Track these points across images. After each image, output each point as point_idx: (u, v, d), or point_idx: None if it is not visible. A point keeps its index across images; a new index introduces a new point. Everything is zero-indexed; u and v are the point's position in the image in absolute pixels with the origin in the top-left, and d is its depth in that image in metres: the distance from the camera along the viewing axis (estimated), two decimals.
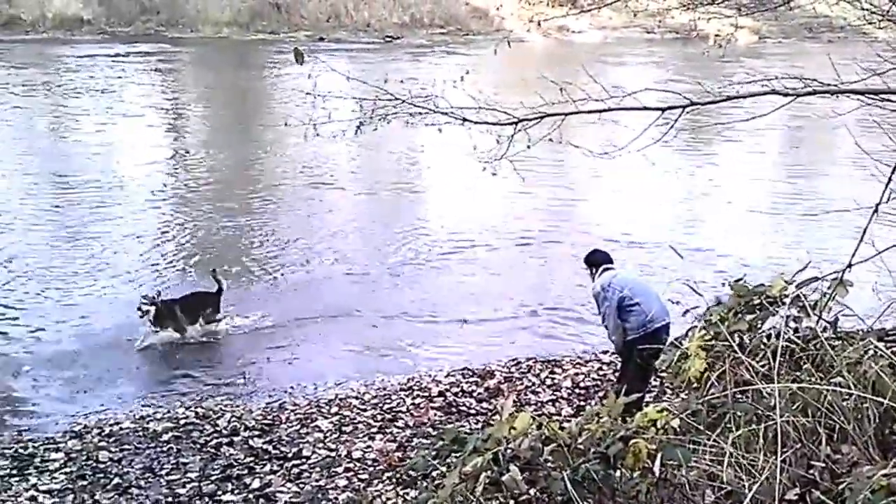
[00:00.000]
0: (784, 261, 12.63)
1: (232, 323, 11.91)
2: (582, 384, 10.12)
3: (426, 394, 9.87)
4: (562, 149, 8.40)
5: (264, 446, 8.70)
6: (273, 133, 21.85)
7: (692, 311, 5.10)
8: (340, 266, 14.14)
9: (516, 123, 6.74)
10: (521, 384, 10.11)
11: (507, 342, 11.57)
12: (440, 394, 9.85)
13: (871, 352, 4.36)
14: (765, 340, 4.55)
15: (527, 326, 12.12)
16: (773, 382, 4.08)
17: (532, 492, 3.99)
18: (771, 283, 4.82)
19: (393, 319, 12.20)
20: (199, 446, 8.73)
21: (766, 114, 7.30)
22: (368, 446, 8.63)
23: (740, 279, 5.02)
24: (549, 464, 4.08)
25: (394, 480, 7.89)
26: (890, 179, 5.53)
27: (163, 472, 8.24)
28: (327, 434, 8.94)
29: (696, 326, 4.84)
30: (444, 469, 4.42)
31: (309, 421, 9.25)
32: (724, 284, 5.15)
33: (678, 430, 4.16)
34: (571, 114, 6.68)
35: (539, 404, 9.56)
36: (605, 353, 10.74)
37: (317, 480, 8.05)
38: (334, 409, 9.52)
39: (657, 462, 3.95)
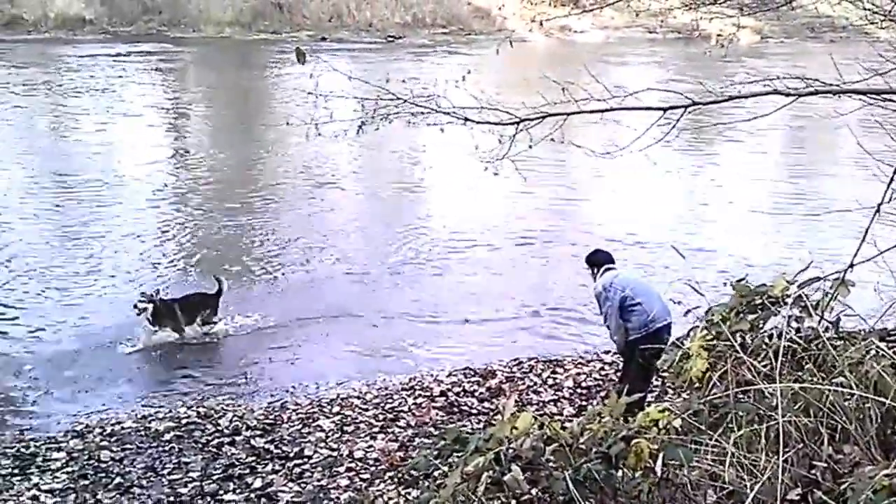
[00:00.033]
0: (786, 261, 12.62)
1: (232, 323, 11.90)
2: (584, 384, 10.12)
3: (428, 393, 9.87)
4: (563, 149, 8.39)
5: (266, 446, 8.70)
6: (275, 133, 21.87)
7: (694, 310, 5.09)
8: (342, 266, 14.14)
9: (518, 123, 6.73)
10: (523, 384, 10.10)
11: (509, 342, 11.57)
12: (442, 393, 9.85)
13: (872, 352, 4.36)
14: (767, 340, 4.55)
15: (528, 326, 12.11)
16: (774, 382, 4.08)
17: (534, 492, 3.99)
18: (773, 283, 4.82)
19: (394, 319, 12.20)
20: (200, 446, 8.73)
21: (767, 114, 7.29)
22: (370, 446, 8.63)
23: (742, 279, 5.02)
24: (550, 463, 4.08)
25: (395, 480, 7.88)
26: (892, 179, 5.52)
27: (165, 472, 8.24)
28: (329, 434, 8.94)
29: (697, 326, 4.84)
30: (445, 469, 4.41)
31: (311, 420, 9.25)
32: (725, 284, 5.14)
33: (680, 429, 4.16)
34: (573, 114, 6.68)
35: (541, 404, 9.55)
36: (606, 352, 10.74)
37: (318, 480, 8.05)
38: (336, 409, 9.52)
39: (659, 462, 3.95)
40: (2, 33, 36.50)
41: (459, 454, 4.23)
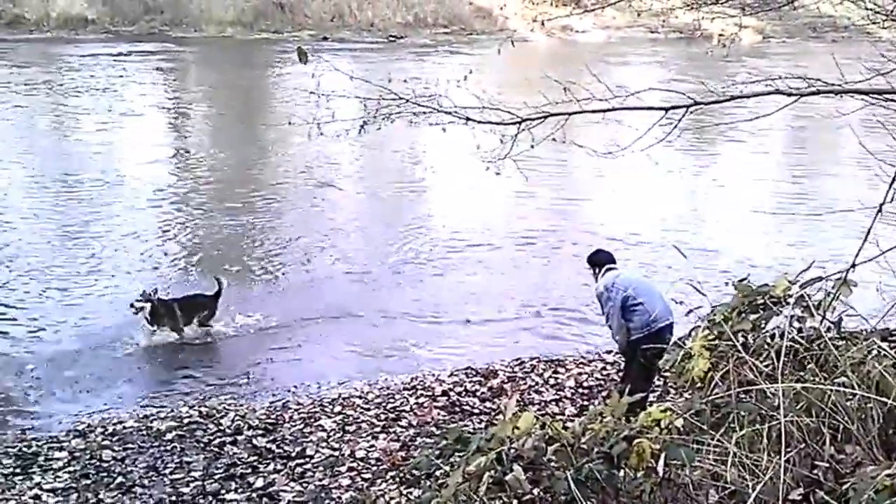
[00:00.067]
0: (788, 261, 12.62)
1: (233, 323, 11.90)
2: (585, 384, 10.12)
3: (430, 393, 9.87)
4: (565, 148, 8.38)
5: (268, 445, 8.70)
6: (276, 132, 21.88)
7: (696, 310, 5.09)
8: (343, 265, 14.14)
9: (520, 123, 6.74)
10: (525, 384, 10.10)
11: (511, 342, 11.57)
12: (444, 393, 9.85)
13: (874, 352, 4.36)
14: (768, 340, 4.55)
15: (530, 326, 12.11)
16: (776, 382, 4.09)
17: (535, 491, 4.00)
18: (775, 283, 4.82)
19: (396, 319, 12.20)
20: (202, 445, 8.73)
21: (769, 114, 7.29)
22: (372, 445, 8.63)
23: (744, 279, 5.03)
24: (552, 463, 4.08)
25: (397, 480, 7.88)
26: (894, 179, 5.53)
27: (166, 471, 8.24)
28: (331, 433, 8.94)
29: (699, 326, 4.85)
30: (447, 468, 4.42)
31: (312, 420, 9.26)
32: (727, 284, 5.14)
33: (682, 429, 4.16)
34: (575, 113, 6.68)
35: (542, 404, 9.56)
36: (608, 352, 10.74)
37: (320, 480, 8.05)
38: (338, 409, 9.52)
39: (661, 462, 3.95)
40: (4, 33, 36.50)
41: (461, 454, 4.24)
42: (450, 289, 13.32)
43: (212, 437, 8.88)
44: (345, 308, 12.42)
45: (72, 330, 11.72)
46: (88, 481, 8.06)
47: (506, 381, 10.16)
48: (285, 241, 15.11)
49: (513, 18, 39.39)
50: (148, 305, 11.29)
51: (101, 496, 7.81)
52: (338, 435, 8.90)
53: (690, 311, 5.19)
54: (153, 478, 8.13)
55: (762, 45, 38.20)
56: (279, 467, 8.28)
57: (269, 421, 9.23)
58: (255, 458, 8.46)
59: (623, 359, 9.32)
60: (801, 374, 4.34)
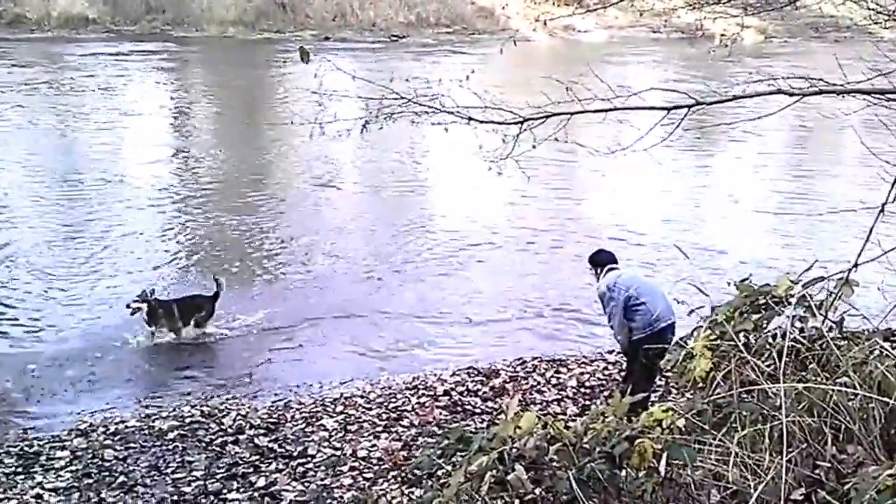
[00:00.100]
0: (790, 260, 12.62)
1: (230, 324, 11.89)
2: (587, 384, 10.11)
3: (431, 393, 9.87)
4: (567, 148, 8.39)
5: (270, 445, 8.70)
6: (278, 132, 21.89)
7: (697, 310, 5.09)
8: (345, 265, 14.14)
9: (522, 123, 6.73)
10: (527, 383, 10.10)
11: (513, 341, 11.57)
12: (445, 393, 9.85)
13: (876, 352, 4.36)
14: (770, 340, 4.55)
15: (532, 326, 12.11)
16: (778, 382, 4.08)
17: (537, 491, 4.00)
18: (777, 283, 4.82)
19: (398, 318, 12.20)
20: (204, 445, 8.74)
21: (771, 113, 7.29)
22: (374, 445, 8.63)
23: (746, 279, 5.03)
24: (554, 463, 4.08)
25: (399, 479, 7.88)
26: None
27: (168, 471, 8.24)
28: (332, 433, 8.94)
29: (701, 326, 4.85)
30: (449, 468, 4.42)
31: (314, 420, 9.26)
32: (729, 284, 5.14)
33: (684, 429, 4.16)
34: (577, 113, 6.68)
35: (544, 404, 9.56)
36: (610, 352, 10.74)
37: (322, 479, 8.05)
38: (339, 408, 9.52)
39: (662, 462, 3.95)
40: (5, 32, 36.55)
41: (463, 453, 4.24)
42: (451, 288, 13.32)
43: (214, 437, 8.89)
44: (346, 308, 12.42)
45: (73, 329, 11.73)
46: (90, 480, 8.07)
47: (508, 380, 10.16)
48: (286, 240, 15.11)
49: (515, 18, 39.42)
50: (145, 306, 11.29)
51: (102, 495, 7.81)
52: (340, 434, 8.90)
53: (692, 310, 5.19)
54: (155, 477, 8.14)
55: (764, 45, 38.22)
56: (281, 467, 8.28)
57: (270, 420, 9.23)
58: (257, 457, 8.46)
59: (625, 359, 9.32)
60: (803, 374, 4.34)
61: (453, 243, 15.09)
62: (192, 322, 11.65)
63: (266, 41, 38.10)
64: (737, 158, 21.74)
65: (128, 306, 11.31)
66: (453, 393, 9.84)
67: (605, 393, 9.66)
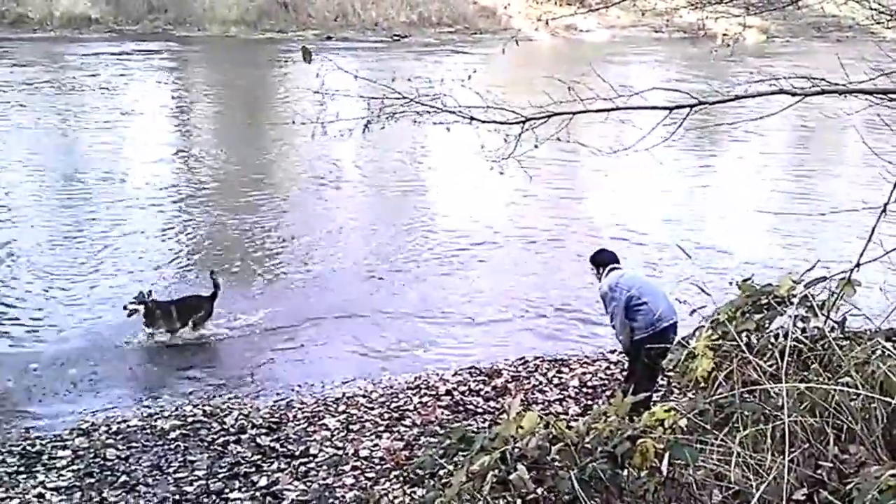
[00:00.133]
0: (792, 260, 12.63)
1: (231, 323, 11.89)
2: (589, 383, 10.11)
3: (433, 392, 9.87)
4: (569, 148, 8.39)
5: (271, 444, 8.71)
6: (280, 131, 21.88)
7: (699, 310, 5.09)
8: (347, 265, 14.14)
9: (524, 122, 6.73)
10: (529, 383, 10.11)
11: (514, 341, 11.56)
12: (447, 392, 9.85)
13: (878, 352, 4.36)
14: (772, 340, 4.56)
15: (534, 326, 12.11)
16: (780, 382, 4.09)
17: (539, 491, 4.00)
18: (779, 283, 4.82)
19: (400, 318, 12.20)
20: (206, 444, 8.74)
21: (773, 113, 7.29)
22: (375, 445, 8.64)
23: (748, 279, 5.03)
24: (556, 463, 4.09)
25: (401, 479, 7.89)
26: None
27: (170, 470, 8.24)
28: (334, 432, 8.94)
29: (703, 326, 4.85)
30: (451, 468, 4.42)
31: (316, 419, 9.26)
32: (731, 284, 5.15)
33: (686, 429, 4.16)
34: (579, 113, 6.68)
35: (546, 403, 9.56)
36: (612, 352, 10.74)
37: (324, 479, 8.05)
38: (341, 408, 9.52)
39: (665, 461, 3.95)
40: (7, 32, 36.55)
41: (465, 453, 4.25)
42: (453, 288, 13.32)
43: (215, 436, 8.89)
44: (348, 307, 12.42)
45: (74, 329, 11.73)
46: (92, 480, 8.07)
47: (510, 380, 10.16)
48: (288, 240, 15.10)
49: (517, 17, 39.45)
50: (142, 308, 11.29)
51: (104, 495, 7.82)
52: (341, 434, 8.90)
53: (694, 310, 5.20)
54: (157, 476, 8.14)
55: (766, 45, 38.19)
56: (283, 466, 8.29)
57: (272, 420, 9.24)
58: (259, 456, 8.47)
59: (627, 358, 9.31)
60: (805, 373, 4.34)
61: (455, 243, 15.09)
62: (191, 323, 11.64)
63: (268, 41, 38.10)
64: (739, 158, 21.73)
65: (125, 308, 11.31)
66: (455, 392, 9.84)
67: (607, 393, 9.66)
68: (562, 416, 8.74)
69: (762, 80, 6.88)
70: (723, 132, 21.84)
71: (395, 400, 9.70)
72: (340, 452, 8.52)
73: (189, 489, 7.91)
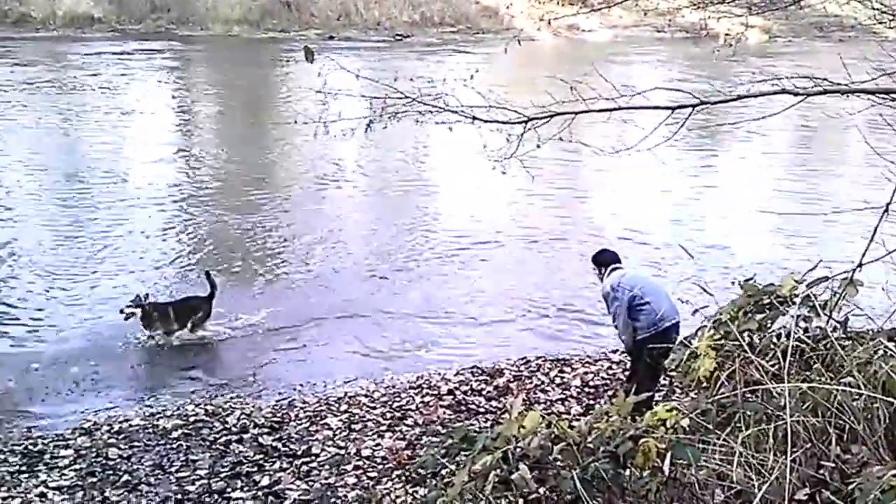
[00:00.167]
0: (794, 260, 12.61)
1: (232, 324, 11.88)
2: (591, 383, 10.11)
3: (435, 392, 9.87)
4: (572, 147, 8.39)
5: (273, 444, 8.71)
6: (282, 131, 21.88)
7: (702, 310, 5.09)
8: (349, 264, 14.14)
9: (526, 122, 6.74)
10: (531, 383, 10.10)
11: (516, 341, 11.55)
12: (449, 392, 9.85)
13: (881, 352, 4.36)
14: (775, 340, 4.56)
15: (536, 325, 12.10)
16: (782, 382, 4.08)
17: (541, 490, 4.00)
18: (781, 283, 4.82)
19: (401, 318, 12.19)
20: (208, 443, 8.74)
21: (776, 113, 7.30)
22: (378, 444, 8.64)
23: (750, 278, 5.03)
24: (558, 462, 4.08)
25: (403, 478, 7.88)
26: None
27: (172, 469, 8.25)
28: (336, 432, 8.94)
29: (705, 325, 4.85)
30: (453, 467, 4.42)
31: (318, 419, 9.26)
32: (733, 283, 5.14)
33: (688, 429, 4.16)
34: (581, 112, 6.68)
35: (548, 403, 9.56)
36: (614, 352, 10.73)
37: (326, 478, 8.05)
38: (343, 407, 9.52)
39: (667, 461, 3.95)
40: (10, 31, 36.59)
41: (467, 453, 4.25)
42: (456, 288, 13.31)
43: (218, 436, 8.89)
44: (350, 307, 12.42)
45: (76, 329, 11.73)
46: (94, 479, 8.08)
47: (512, 380, 10.16)
48: (289, 239, 15.10)
49: (519, 17, 39.41)
50: (139, 311, 11.28)
51: (106, 494, 7.82)
52: (344, 433, 8.90)
53: (696, 310, 5.19)
54: (159, 476, 8.14)
55: (768, 45, 38.17)
56: (285, 465, 8.29)
57: (275, 419, 9.24)
58: (261, 456, 8.47)
59: (629, 358, 9.31)
60: (808, 373, 4.34)
61: (457, 242, 15.08)
62: (189, 324, 11.63)
63: (271, 40, 38.12)
64: (741, 158, 21.72)
65: (121, 311, 11.30)
66: (457, 392, 9.84)
67: (609, 392, 9.66)
68: (564, 416, 8.74)
69: (764, 79, 6.89)
70: (725, 132, 21.83)
71: (397, 399, 9.70)
72: (342, 452, 8.52)
73: (191, 488, 7.92)
